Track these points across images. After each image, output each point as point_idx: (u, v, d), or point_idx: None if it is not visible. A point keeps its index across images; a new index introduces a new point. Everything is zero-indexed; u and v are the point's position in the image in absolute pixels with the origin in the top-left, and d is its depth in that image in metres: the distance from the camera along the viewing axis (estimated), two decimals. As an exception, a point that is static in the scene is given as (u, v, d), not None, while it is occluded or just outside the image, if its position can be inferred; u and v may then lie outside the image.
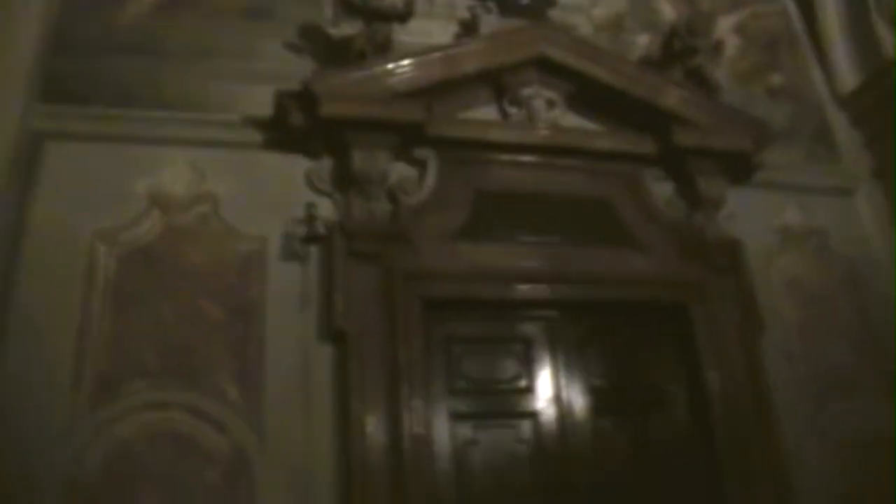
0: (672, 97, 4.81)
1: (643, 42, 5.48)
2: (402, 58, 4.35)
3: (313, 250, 4.08)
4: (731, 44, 5.71)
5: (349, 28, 4.47)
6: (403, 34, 4.55)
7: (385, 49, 4.41)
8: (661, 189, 4.87)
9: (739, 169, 4.96)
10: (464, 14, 4.99)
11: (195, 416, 3.64)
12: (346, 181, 4.21)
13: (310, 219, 4.07)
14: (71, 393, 3.54)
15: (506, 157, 4.59)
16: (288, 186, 4.20)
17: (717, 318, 4.56)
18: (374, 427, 3.73)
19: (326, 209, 4.18)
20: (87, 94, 4.14)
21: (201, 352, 3.76)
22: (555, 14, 5.06)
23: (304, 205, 4.11)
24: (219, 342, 3.81)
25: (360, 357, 3.84)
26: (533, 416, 4.21)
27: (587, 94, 4.80)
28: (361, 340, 3.87)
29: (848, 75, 5.76)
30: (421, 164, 4.38)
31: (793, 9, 6.17)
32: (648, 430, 4.41)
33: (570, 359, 4.38)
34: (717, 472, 4.26)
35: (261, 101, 4.25)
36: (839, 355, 4.87)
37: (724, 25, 5.73)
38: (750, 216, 4.99)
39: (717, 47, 5.28)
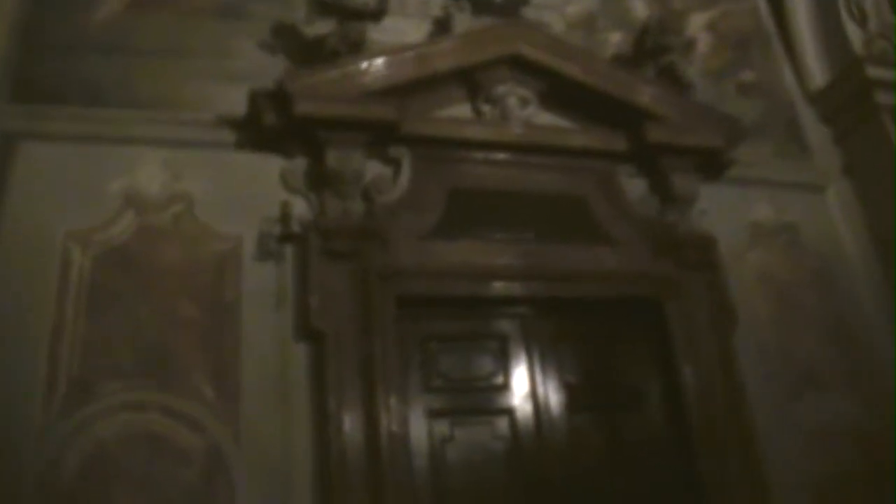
0: (644, 95, 4.85)
1: (615, 40, 5.51)
2: (376, 56, 4.35)
3: (288, 249, 4.08)
4: (703, 42, 5.74)
5: (323, 27, 4.48)
6: (377, 33, 4.56)
7: (359, 48, 4.42)
8: (634, 186, 4.90)
9: (711, 165, 5.01)
10: (437, 12, 5.01)
11: (171, 416, 3.62)
12: (320, 180, 4.20)
13: (284, 218, 4.07)
14: (46, 395, 3.51)
15: (479, 155, 4.61)
16: (262, 186, 4.19)
17: (691, 314, 4.59)
18: (350, 425, 3.73)
19: (301, 208, 4.18)
20: (59, 94, 4.12)
21: (177, 352, 3.74)
22: (528, 12, 5.08)
23: (278, 204, 4.12)
24: (195, 342, 3.80)
25: (336, 356, 3.84)
26: (509, 412, 4.22)
27: (560, 92, 4.83)
28: (337, 339, 3.88)
29: (818, 73, 5.82)
30: (395, 163, 4.39)
31: (763, 7, 6.22)
32: (623, 425, 4.42)
33: (546, 355, 4.40)
34: (692, 466, 4.29)
35: (235, 101, 4.25)
36: (810, 349, 4.91)
37: (696, 23, 5.79)
38: (722, 212, 5.03)
39: (689, 45, 5.33)
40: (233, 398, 3.73)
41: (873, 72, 5.43)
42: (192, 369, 3.73)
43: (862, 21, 5.70)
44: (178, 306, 3.84)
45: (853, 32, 5.65)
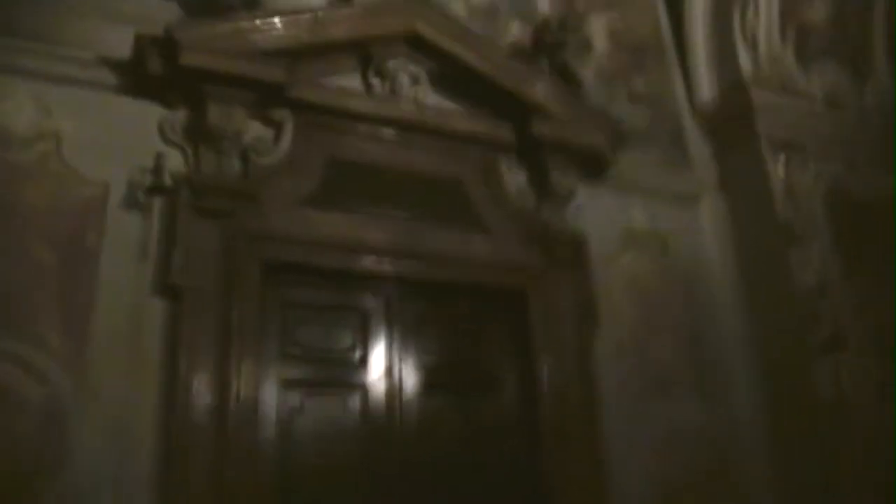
0: (535, 89, 4.90)
1: (515, 31, 5.50)
2: (271, 16, 4.28)
3: (157, 202, 3.96)
4: (601, 44, 5.83)
5: (220, -22, 4.38)
6: (278, -8, 4.50)
7: (255, 5, 4.36)
8: (514, 177, 4.95)
9: (593, 166, 5.11)
10: (341, -21, 4.94)
11: (13, 363, 3.48)
12: (198, 135, 4.12)
13: (157, 169, 3.93)
14: None
15: (364, 128, 4.59)
16: (138, 133, 4.06)
17: (555, 309, 4.68)
18: (200, 387, 3.68)
19: (176, 161, 4.07)
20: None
21: (27, 297, 3.60)
22: (434, -9, 5.06)
23: (152, 154, 3.98)
24: (48, 288, 3.65)
25: (194, 315, 3.79)
26: (363, 388, 4.24)
27: (453, 75, 4.85)
28: (197, 298, 3.82)
29: (706, 88, 5.97)
30: (277, 126, 4.34)
31: (664, 19, 6.32)
32: (477, 410, 4.49)
33: (407, 335, 4.43)
34: (538, 455, 4.40)
35: (120, 43, 4.08)
36: (666, 356, 5.07)
37: (596, 26, 5.87)
38: (598, 213, 5.15)
39: (586, 45, 5.43)
40: (80, 349, 3.61)
41: (757, 95, 5.62)
42: (40, 316, 3.60)
43: (754, 45, 5.86)
44: (34, 250, 3.69)
45: (744, 54, 5.81)
